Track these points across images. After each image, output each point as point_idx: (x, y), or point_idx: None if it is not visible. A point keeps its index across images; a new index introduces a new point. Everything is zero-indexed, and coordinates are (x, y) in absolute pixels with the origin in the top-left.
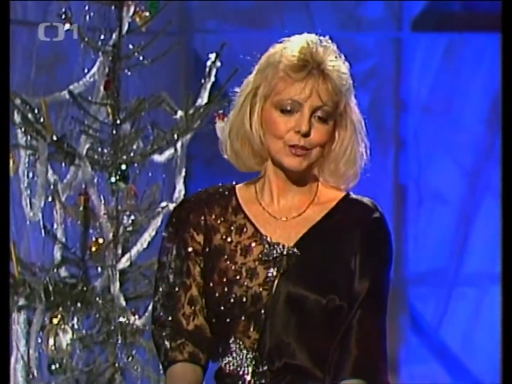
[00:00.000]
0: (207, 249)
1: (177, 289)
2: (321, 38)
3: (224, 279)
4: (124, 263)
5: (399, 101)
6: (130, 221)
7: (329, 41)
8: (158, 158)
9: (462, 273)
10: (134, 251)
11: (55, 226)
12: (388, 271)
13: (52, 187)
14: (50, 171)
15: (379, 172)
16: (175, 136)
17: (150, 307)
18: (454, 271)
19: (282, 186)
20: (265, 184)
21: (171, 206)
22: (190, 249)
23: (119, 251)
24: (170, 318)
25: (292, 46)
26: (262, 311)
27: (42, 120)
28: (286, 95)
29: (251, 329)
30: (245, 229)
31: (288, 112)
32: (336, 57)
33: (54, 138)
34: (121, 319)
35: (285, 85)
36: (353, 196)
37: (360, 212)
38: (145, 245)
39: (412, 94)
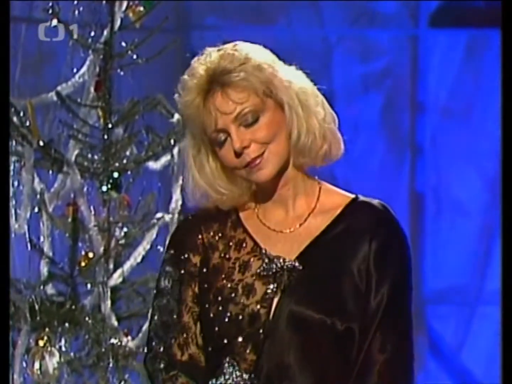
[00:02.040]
0: (204, 270)
1: (174, 316)
2: (205, 53)
3: (219, 298)
4: (116, 279)
5: (416, 104)
6: (122, 234)
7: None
8: (153, 165)
9: (485, 291)
10: (127, 266)
11: (41, 239)
12: (408, 282)
13: (38, 196)
14: (36, 179)
15: (394, 180)
16: (172, 141)
17: (144, 328)
18: (477, 289)
19: (277, 198)
20: (261, 199)
21: (167, 217)
22: (182, 272)
23: (111, 266)
24: (163, 349)
25: (185, 86)
26: (260, 331)
27: (27, 123)
28: (207, 129)
29: (248, 351)
30: (244, 244)
31: (222, 141)
32: (229, 54)
33: (41, 143)
34: (113, 341)
35: (205, 122)
36: (362, 198)
37: (368, 216)
38: (139, 260)
39: (430, 96)
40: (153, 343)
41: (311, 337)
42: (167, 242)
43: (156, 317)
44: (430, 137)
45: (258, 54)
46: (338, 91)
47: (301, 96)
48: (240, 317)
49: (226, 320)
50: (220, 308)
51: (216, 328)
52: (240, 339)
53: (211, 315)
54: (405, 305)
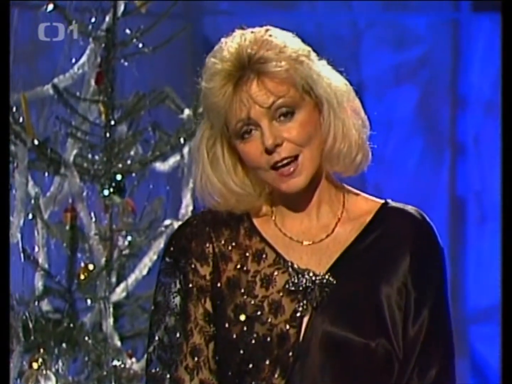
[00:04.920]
0: (218, 284)
1: (177, 336)
2: (238, 34)
3: (242, 317)
4: (119, 294)
5: (457, 97)
6: (126, 243)
7: (254, 31)
8: (160, 166)
9: None
10: (131, 279)
11: (36, 249)
12: (448, 301)
13: (33, 201)
14: (30, 182)
15: (432, 184)
16: (181, 139)
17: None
18: None
19: (301, 206)
20: (279, 204)
21: (176, 224)
22: (190, 285)
23: (113, 280)
24: (169, 374)
25: (212, 71)
26: (290, 354)
27: (21, 120)
28: (233, 120)
29: (276, 375)
30: (264, 255)
31: (248, 135)
32: (266, 40)
33: (36, 142)
34: (115, 363)
35: (233, 111)
36: (393, 204)
37: (405, 226)
38: (144, 272)
39: (473, 89)
40: (155, 367)
41: (348, 361)
42: (167, 247)
43: (156, 337)
44: (472, 135)
45: (295, 43)
46: (368, 83)
47: (338, 95)
48: (268, 338)
49: (253, 341)
50: (245, 328)
51: (241, 351)
52: (267, 362)
53: (234, 336)
54: (447, 326)
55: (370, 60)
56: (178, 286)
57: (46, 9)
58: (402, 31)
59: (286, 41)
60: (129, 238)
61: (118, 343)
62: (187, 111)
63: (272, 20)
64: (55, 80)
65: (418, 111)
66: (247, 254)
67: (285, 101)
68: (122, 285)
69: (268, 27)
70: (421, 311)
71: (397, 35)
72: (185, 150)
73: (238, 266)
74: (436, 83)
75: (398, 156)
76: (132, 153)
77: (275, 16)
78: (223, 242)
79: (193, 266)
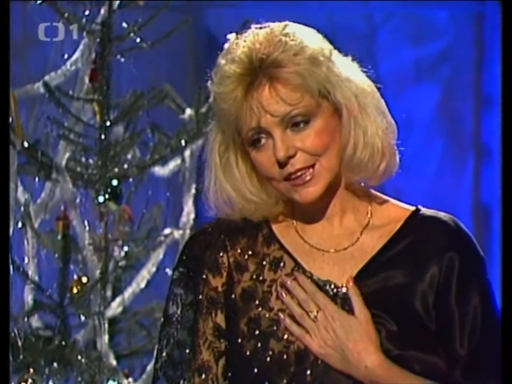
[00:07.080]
0: (232, 295)
1: (187, 351)
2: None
3: (256, 332)
4: (114, 309)
5: (480, 96)
6: (123, 254)
7: (266, 29)
8: (160, 170)
9: None
10: (128, 293)
11: (26, 260)
12: (498, 309)
13: (22, 208)
14: (20, 188)
15: (454, 189)
16: (182, 142)
17: (148, 367)
18: None
19: (322, 215)
20: (300, 211)
21: (177, 234)
22: (200, 297)
23: (109, 294)
24: None
25: (222, 73)
26: (308, 372)
27: (9, 120)
28: (244, 128)
29: None
30: (282, 264)
31: (259, 143)
32: (280, 41)
33: (25, 144)
34: (111, 383)
35: (243, 118)
36: (425, 212)
37: (439, 234)
38: (142, 285)
39: (498, 87)
40: None
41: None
42: (177, 257)
43: (164, 352)
44: (498, 136)
45: (313, 42)
46: (384, 80)
47: (361, 99)
48: (285, 356)
49: (268, 359)
50: (259, 344)
51: (255, 369)
52: (284, 381)
53: (248, 352)
54: (499, 340)
55: (387, 56)
56: (191, 298)
57: (35, 1)
58: (422, 25)
59: (304, 40)
60: (125, 248)
61: (114, 362)
62: (188, 111)
63: (279, 12)
64: (46, 78)
65: (439, 111)
66: (264, 262)
67: (299, 111)
68: (118, 299)
69: (287, 22)
70: (468, 328)
71: (416, 28)
72: (186, 153)
73: (254, 276)
74: (458, 80)
75: (417, 159)
76: (129, 156)
77: (282, 8)
78: (239, 251)
79: (204, 277)
